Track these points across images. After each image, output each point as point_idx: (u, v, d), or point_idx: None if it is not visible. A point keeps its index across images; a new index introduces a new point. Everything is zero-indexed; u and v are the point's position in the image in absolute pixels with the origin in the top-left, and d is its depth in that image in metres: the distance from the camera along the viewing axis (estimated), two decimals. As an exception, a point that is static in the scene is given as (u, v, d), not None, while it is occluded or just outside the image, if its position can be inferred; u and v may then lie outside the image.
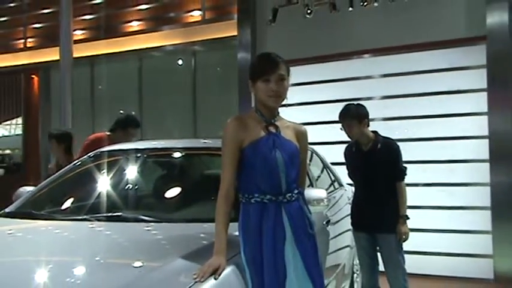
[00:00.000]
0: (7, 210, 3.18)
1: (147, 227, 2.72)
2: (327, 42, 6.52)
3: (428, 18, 5.98)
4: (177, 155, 3.64)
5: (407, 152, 4.12)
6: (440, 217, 5.84)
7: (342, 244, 4.04)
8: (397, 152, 3.83)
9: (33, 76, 10.27)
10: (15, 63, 10.12)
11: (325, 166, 4.66)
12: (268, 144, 2.33)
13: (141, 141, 4.86)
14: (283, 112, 2.46)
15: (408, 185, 3.85)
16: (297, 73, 3.36)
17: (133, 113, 7.24)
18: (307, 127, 2.56)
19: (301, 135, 2.48)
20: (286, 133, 2.41)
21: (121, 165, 3.52)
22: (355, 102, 3.96)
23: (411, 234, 3.78)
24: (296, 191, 2.36)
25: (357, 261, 4.45)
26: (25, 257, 2.35)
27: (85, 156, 3.73)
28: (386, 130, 4.21)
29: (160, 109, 8.84)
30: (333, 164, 4.87)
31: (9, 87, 10.52)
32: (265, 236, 2.26)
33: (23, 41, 10.20)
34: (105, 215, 2.90)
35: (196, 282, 1.97)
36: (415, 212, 4.45)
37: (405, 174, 3.83)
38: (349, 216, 4.05)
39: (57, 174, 3.60)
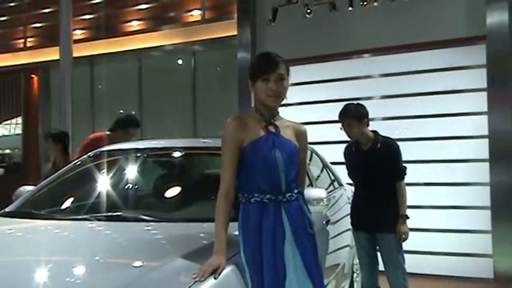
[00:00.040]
0: (7, 209, 3.18)
1: (147, 226, 2.72)
2: (327, 42, 6.52)
3: (428, 17, 5.98)
4: (177, 154, 3.63)
5: (407, 151, 4.12)
6: (440, 217, 5.84)
7: (341, 244, 4.04)
8: (396, 152, 3.83)
9: (33, 76, 10.27)
10: (15, 62, 10.12)
11: (324, 166, 4.66)
12: (268, 144, 2.33)
13: (141, 141, 4.86)
14: (283, 112, 2.46)
15: (408, 184, 3.85)
16: (297, 73, 3.36)
17: (133, 112, 7.25)
18: (307, 127, 2.56)
19: (301, 135, 2.48)
20: (286, 133, 2.41)
21: (121, 164, 3.52)
22: (355, 102, 3.96)
23: (411, 233, 3.78)
24: (296, 191, 2.36)
25: (356, 261, 4.45)
26: (25, 257, 2.35)
27: (85, 156, 3.73)
28: (386, 130, 4.21)
29: (160, 109, 8.84)
30: (332, 163, 4.87)
31: (9, 86, 10.52)
32: (265, 236, 2.26)
33: (22, 40, 10.20)
34: (105, 214, 2.90)
35: (196, 281, 1.97)
36: (415, 211, 4.45)
37: (405, 174, 3.83)
38: (349, 216, 4.05)
39: (57, 174, 3.60)
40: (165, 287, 1.97)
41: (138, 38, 8.68)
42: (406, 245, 3.84)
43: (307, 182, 2.99)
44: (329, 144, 5.52)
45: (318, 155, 4.56)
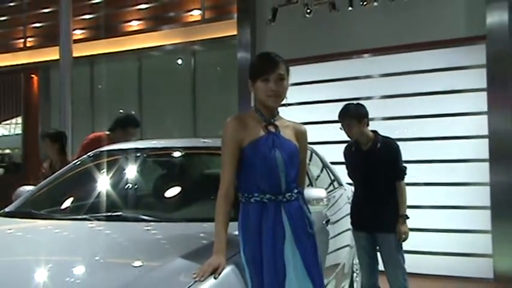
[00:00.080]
0: (7, 209, 3.18)
1: (147, 226, 2.72)
2: (327, 42, 6.52)
3: (428, 17, 5.98)
4: (176, 154, 3.63)
5: (407, 151, 4.11)
6: (440, 217, 5.84)
7: (341, 243, 4.04)
8: (396, 152, 3.83)
9: (33, 75, 10.27)
10: (15, 62, 10.12)
11: (324, 166, 4.66)
12: (268, 144, 2.33)
13: (141, 141, 4.85)
14: (282, 112, 2.46)
15: (408, 184, 3.85)
16: (297, 73, 3.35)
17: (133, 112, 7.23)
18: (306, 127, 2.56)
19: (301, 135, 2.48)
20: (286, 133, 2.41)
21: (121, 164, 3.52)
22: (355, 102, 3.96)
23: (411, 233, 3.78)
24: (296, 191, 2.36)
25: (356, 261, 4.45)
26: (25, 257, 2.35)
27: (84, 156, 3.73)
28: (386, 130, 4.20)
29: (160, 109, 8.84)
30: (332, 163, 4.87)
31: (9, 86, 10.52)
32: (264, 236, 2.26)
33: (22, 40, 10.21)
34: (104, 214, 2.89)
35: (196, 281, 1.97)
36: (415, 211, 4.45)
37: (405, 174, 3.83)
38: (349, 216, 4.05)
39: (57, 173, 3.60)
40: (165, 286, 1.97)
41: (138, 38, 8.68)
42: (406, 245, 3.84)
43: (307, 182, 2.99)
44: (329, 144, 5.51)
45: (318, 155, 4.56)
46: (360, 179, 3.95)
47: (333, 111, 4.01)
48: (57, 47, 7.14)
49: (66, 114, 6.85)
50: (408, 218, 3.79)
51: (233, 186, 2.34)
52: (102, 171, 3.40)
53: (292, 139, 2.42)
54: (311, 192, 2.82)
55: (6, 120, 11.01)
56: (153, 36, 8.56)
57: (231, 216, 2.30)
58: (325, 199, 2.89)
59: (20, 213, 3.08)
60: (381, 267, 3.95)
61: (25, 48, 10.13)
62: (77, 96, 7.60)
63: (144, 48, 8.68)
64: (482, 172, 5.58)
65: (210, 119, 8.20)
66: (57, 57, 7.15)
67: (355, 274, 4.57)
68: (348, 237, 4.23)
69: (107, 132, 4.97)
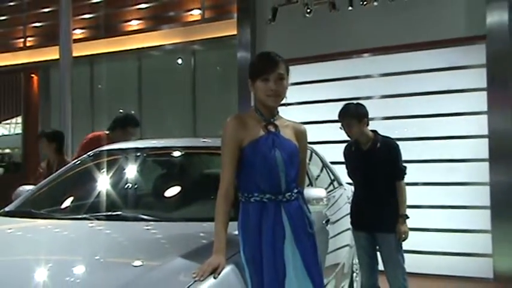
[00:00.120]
0: (7, 209, 3.18)
1: (147, 226, 2.72)
2: (327, 42, 6.52)
3: (428, 17, 5.98)
4: (176, 154, 3.63)
5: (407, 151, 4.12)
6: (439, 216, 5.84)
7: (341, 243, 4.04)
8: (396, 151, 3.83)
9: (32, 75, 10.27)
10: (15, 62, 10.12)
11: (324, 165, 4.66)
12: (268, 144, 2.33)
13: (141, 140, 4.85)
14: (282, 111, 2.46)
15: (408, 184, 3.85)
16: (297, 72, 3.36)
17: (132, 112, 7.23)
18: (306, 126, 2.56)
19: (301, 135, 2.48)
20: (286, 132, 2.41)
21: (120, 164, 3.52)
22: (355, 102, 3.96)
23: (411, 233, 3.78)
24: (295, 191, 2.36)
25: (356, 261, 4.45)
26: (25, 256, 2.35)
27: (84, 156, 3.72)
28: (386, 129, 4.21)
29: (159, 108, 8.84)
30: (332, 163, 4.87)
31: (9, 86, 10.52)
32: (264, 235, 2.26)
33: (22, 40, 10.20)
34: (104, 214, 2.90)
35: (195, 281, 1.97)
36: (415, 211, 4.45)
37: (405, 174, 3.83)
38: (349, 216, 4.05)
39: (56, 173, 3.60)
40: (164, 286, 1.97)
41: (137, 38, 8.68)
42: (406, 245, 3.83)
43: (307, 181, 2.99)
44: (329, 144, 5.52)
45: (318, 155, 4.55)
46: (360, 179, 3.95)
47: (333, 111, 4.01)
48: (57, 47, 7.12)
49: (66, 114, 6.84)
50: (408, 217, 3.79)
51: (233, 186, 2.34)
52: (101, 171, 3.40)
53: (292, 139, 2.42)
54: (311, 192, 2.82)
55: (6, 119, 11.01)
56: (153, 35, 8.55)
57: (231, 216, 2.30)
58: (325, 199, 2.89)
59: (19, 213, 3.07)
60: (380, 267, 3.95)
61: (25, 47, 10.12)
62: (77, 96, 7.59)
63: (144, 48, 8.68)
64: (482, 172, 5.58)
65: (210, 118, 8.20)
66: (57, 56, 7.14)
67: (355, 274, 4.57)
68: (348, 237, 4.23)
69: (107, 132, 4.97)
